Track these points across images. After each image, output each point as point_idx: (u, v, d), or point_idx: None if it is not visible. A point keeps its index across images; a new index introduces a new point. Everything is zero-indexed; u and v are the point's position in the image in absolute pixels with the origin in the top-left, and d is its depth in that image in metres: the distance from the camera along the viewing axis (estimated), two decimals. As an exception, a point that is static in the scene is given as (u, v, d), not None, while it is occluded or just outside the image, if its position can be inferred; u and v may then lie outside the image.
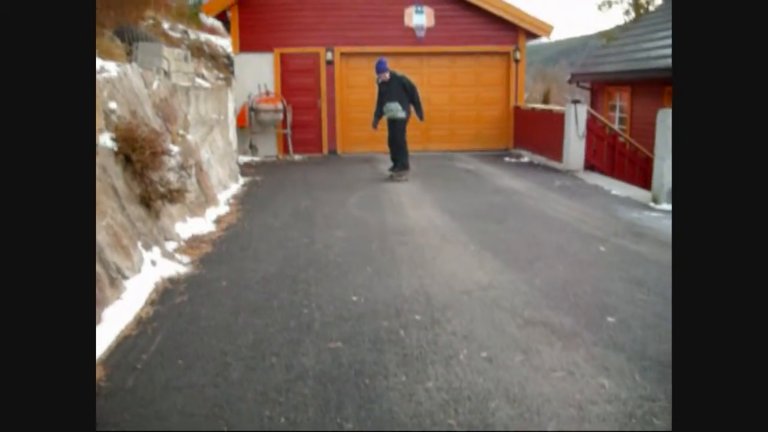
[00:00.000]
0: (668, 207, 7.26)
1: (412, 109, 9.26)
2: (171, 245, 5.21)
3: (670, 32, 12.79)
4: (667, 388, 2.82)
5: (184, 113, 6.93)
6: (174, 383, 2.93)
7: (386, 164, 10.93)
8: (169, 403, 2.75)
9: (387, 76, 9.18)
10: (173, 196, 5.14)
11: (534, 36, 13.28)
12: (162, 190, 5.04)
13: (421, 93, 9.62)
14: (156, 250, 4.75)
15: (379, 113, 9.44)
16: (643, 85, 12.80)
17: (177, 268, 4.76)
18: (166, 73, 7.34)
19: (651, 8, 22.85)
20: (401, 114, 9.17)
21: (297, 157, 12.42)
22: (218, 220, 6.52)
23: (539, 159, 11.66)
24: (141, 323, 3.68)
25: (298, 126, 12.65)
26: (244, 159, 11.78)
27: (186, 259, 5.04)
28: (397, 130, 9.31)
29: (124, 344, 3.38)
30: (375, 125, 9.57)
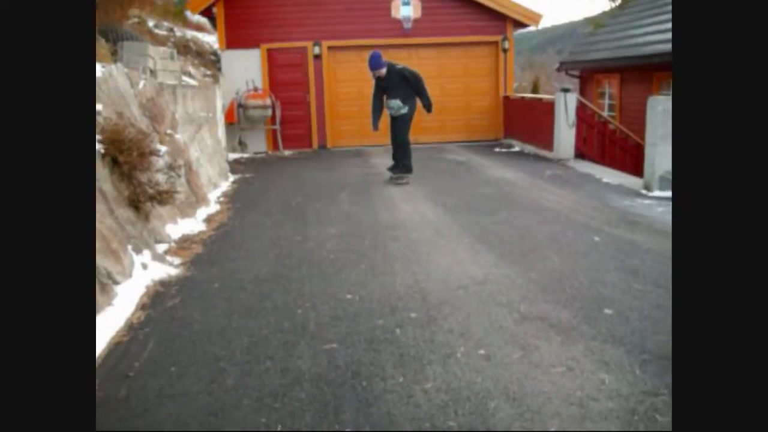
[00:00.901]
0: (660, 194, 7.24)
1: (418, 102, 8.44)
2: (162, 247, 5.14)
3: (657, 18, 12.79)
4: (668, 381, 2.79)
5: (172, 112, 6.84)
6: (167, 391, 2.87)
7: (377, 157, 10.89)
8: (162, 412, 2.69)
9: (384, 72, 8.21)
10: (163, 197, 5.07)
11: (522, 25, 13.24)
12: (151, 191, 4.96)
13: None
14: (146, 252, 4.68)
15: (377, 111, 8.44)
16: (632, 71, 12.78)
17: (168, 270, 4.70)
18: (152, 72, 7.25)
19: (638, -6, 22.80)
20: (404, 110, 8.31)
21: (287, 152, 12.35)
22: (209, 220, 6.45)
23: (529, 148, 11.63)
24: (132, 329, 3.62)
25: (287, 121, 12.58)
26: (234, 156, 11.70)
27: (177, 260, 4.97)
28: (399, 126, 8.41)
29: (115, 351, 3.32)
30: (375, 126, 8.47)
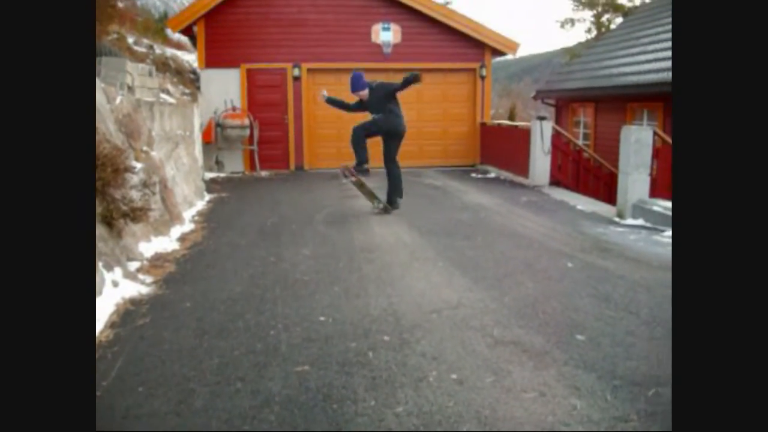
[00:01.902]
0: (633, 221, 7.35)
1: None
2: (134, 265, 5.07)
3: (630, 50, 13.06)
4: (639, 407, 2.81)
5: (149, 129, 6.80)
6: (134, 412, 2.81)
7: (354, 180, 10.86)
8: (129, 433, 2.64)
9: (366, 93, 7.74)
10: (136, 214, 5.01)
11: (500, 53, 13.44)
12: (124, 208, 4.91)
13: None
14: (118, 270, 4.61)
15: (355, 108, 8.08)
16: (607, 101, 13.01)
17: (139, 288, 4.63)
18: (130, 88, 7.21)
19: (612, 26, 23.31)
20: (398, 121, 7.68)
21: (264, 173, 12.31)
22: (183, 238, 6.38)
23: (506, 175, 11.74)
24: (100, 347, 3.55)
25: (265, 142, 12.56)
26: (210, 175, 11.63)
27: (149, 279, 4.91)
28: (391, 144, 7.85)
29: (82, 370, 3.25)
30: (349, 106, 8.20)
